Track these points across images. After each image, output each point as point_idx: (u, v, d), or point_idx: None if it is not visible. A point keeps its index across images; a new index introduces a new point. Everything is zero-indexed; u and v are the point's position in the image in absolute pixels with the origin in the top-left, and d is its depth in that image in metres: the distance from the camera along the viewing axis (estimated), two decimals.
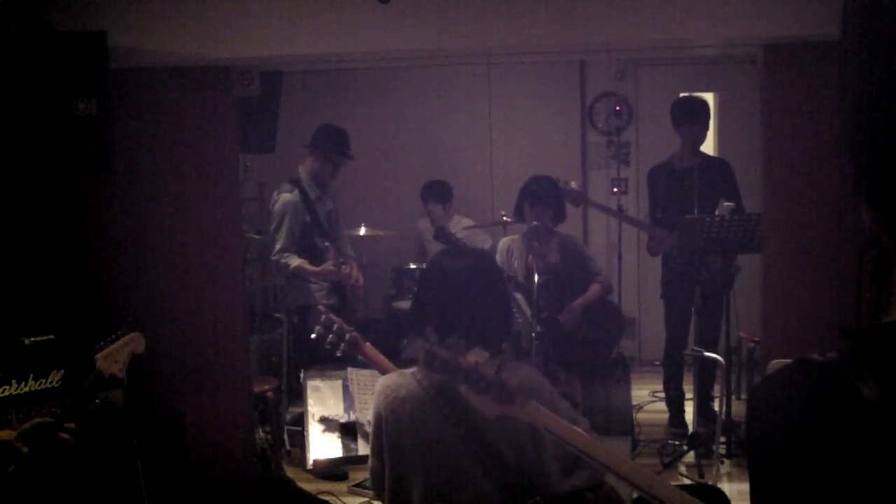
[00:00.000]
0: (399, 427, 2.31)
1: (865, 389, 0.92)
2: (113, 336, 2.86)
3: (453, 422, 2.23)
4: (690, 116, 5.11)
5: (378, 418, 2.35)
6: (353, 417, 4.50)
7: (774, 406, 1.00)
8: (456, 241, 3.83)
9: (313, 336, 2.68)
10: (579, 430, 1.80)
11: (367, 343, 2.69)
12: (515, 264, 4.87)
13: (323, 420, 4.12)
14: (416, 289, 2.89)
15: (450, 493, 2.26)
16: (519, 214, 4.91)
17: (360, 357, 2.72)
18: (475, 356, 1.94)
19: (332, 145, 5.20)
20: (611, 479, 2.22)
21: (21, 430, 2.62)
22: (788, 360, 1.05)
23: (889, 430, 0.90)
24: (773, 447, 0.98)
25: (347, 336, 2.65)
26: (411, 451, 2.30)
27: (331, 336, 2.66)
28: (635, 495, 2.80)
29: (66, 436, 2.64)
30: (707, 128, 5.22)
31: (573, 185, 5.10)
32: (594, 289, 4.90)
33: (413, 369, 2.37)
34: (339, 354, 2.69)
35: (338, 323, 2.67)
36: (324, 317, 2.68)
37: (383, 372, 2.59)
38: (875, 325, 1.00)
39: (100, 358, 2.79)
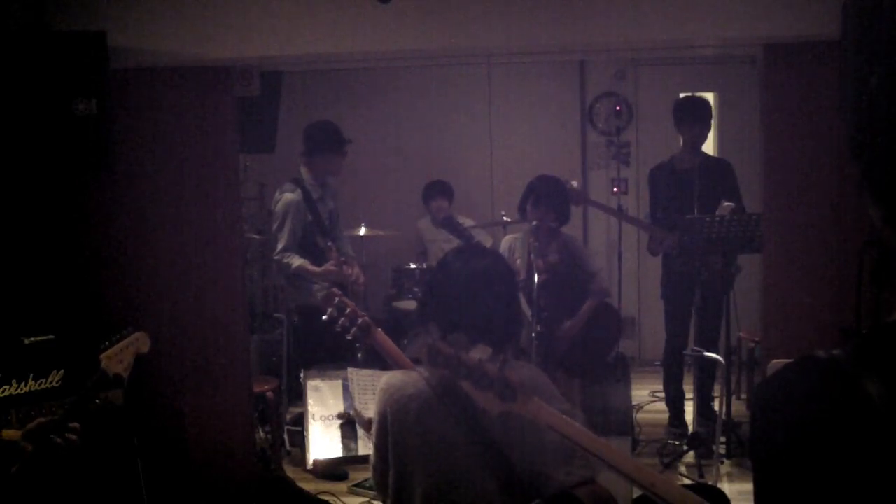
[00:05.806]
0: (404, 426, 2.28)
1: (870, 387, 0.92)
2: (118, 336, 2.81)
3: (459, 421, 2.22)
4: (693, 116, 5.12)
5: (382, 417, 2.32)
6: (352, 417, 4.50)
7: (779, 403, 1.00)
8: (464, 231, 3.80)
9: (325, 318, 2.63)
10: (582, 426, 1.79)
11: (379, 329, 2.63)
12: (518, 262, 4.86)
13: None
14: (423, 289, 2.87)
15: (453, 493, 2.24)
16: (522, 213, 4.91)
17: (369, 343, 2.65)
18: (479, 352, 1.92)
19: (328, 142, 5.20)
20: (612, 477, 2.21)
21: (26, 430, 2.61)
22: (788, 360, 1.05)
23: (894, 428, 0.90)
24: (778, 444, 0.98)
25: (360, 321, 2.60)
26: (415, 451, 2.27)
27: (342, 319, 2.60)
28: (636, 494, 2.80)
29: (71, 436, 2.62)
30: (709, 128, 5.23)
31: (574, 184, 5.09)
32: (586, 307, 4.86)
33: (420, 368, 2.34)
34: (349, 338, 2.64)
35: (350, 307, 2.61)
36: (337, 299, 2.62)
37: (392, 360, 2.54)
38: (880, 323, 1.00)
39: (104, 358, 2.76)
